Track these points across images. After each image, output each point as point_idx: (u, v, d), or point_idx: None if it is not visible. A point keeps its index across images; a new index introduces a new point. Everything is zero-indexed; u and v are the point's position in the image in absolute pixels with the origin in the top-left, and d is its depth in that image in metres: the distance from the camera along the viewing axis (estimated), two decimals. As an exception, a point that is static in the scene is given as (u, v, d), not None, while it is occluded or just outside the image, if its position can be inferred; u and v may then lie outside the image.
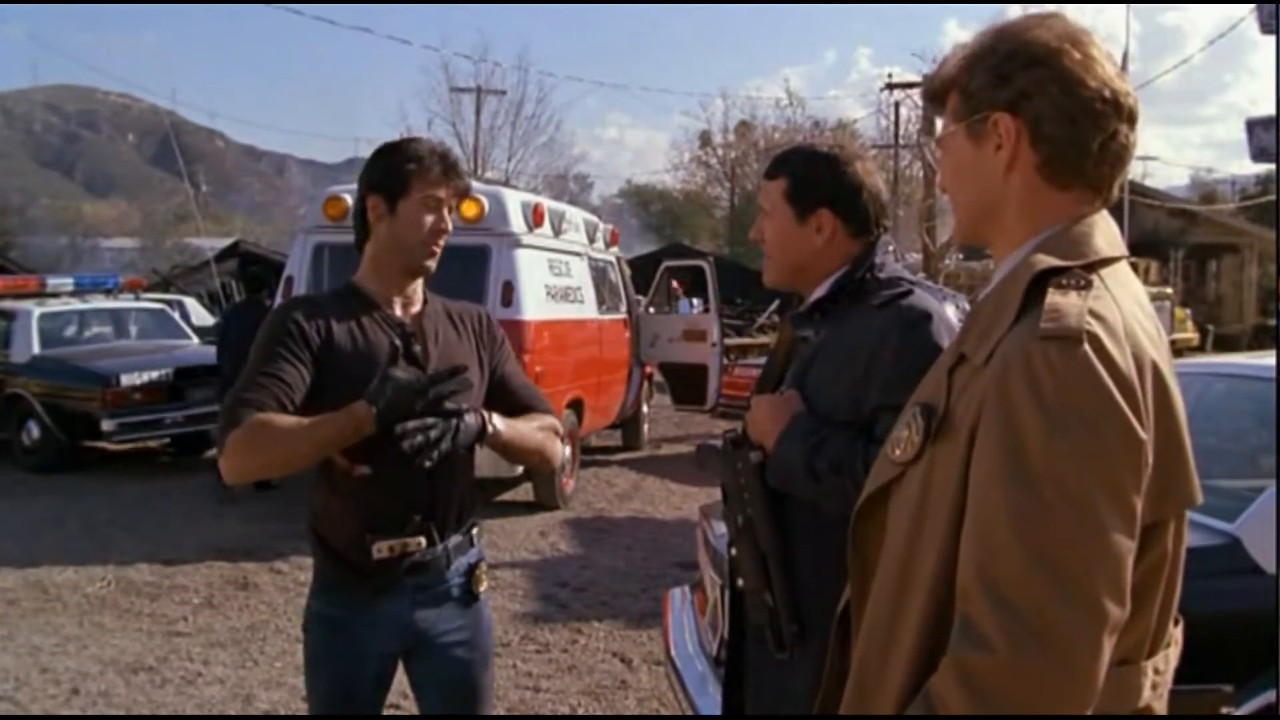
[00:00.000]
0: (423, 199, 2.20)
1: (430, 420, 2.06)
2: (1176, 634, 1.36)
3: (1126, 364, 1.18)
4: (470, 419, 2.14)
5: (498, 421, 2.21)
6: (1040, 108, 1.31)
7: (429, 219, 2.21)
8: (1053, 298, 1.21)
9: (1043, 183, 1.33)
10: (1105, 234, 1.33)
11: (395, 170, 2.20)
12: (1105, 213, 1.37)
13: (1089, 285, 1.23)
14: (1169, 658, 1.32)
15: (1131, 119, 1.32)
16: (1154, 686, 1.28)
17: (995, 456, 1.17)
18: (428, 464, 2.05)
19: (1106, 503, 1.14)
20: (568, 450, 8.63)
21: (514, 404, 2.35)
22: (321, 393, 2.14)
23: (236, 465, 2.08)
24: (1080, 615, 1.12)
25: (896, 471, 1.34)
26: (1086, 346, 1.16)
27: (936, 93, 1.42)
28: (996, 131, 1.34)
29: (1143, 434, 1.17)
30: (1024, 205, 1.35)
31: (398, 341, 2.23)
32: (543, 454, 2.36)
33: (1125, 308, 1.24)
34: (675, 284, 14.10)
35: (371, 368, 2.15)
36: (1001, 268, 1.36)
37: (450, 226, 2.26)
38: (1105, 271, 1.28)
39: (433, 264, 2.26)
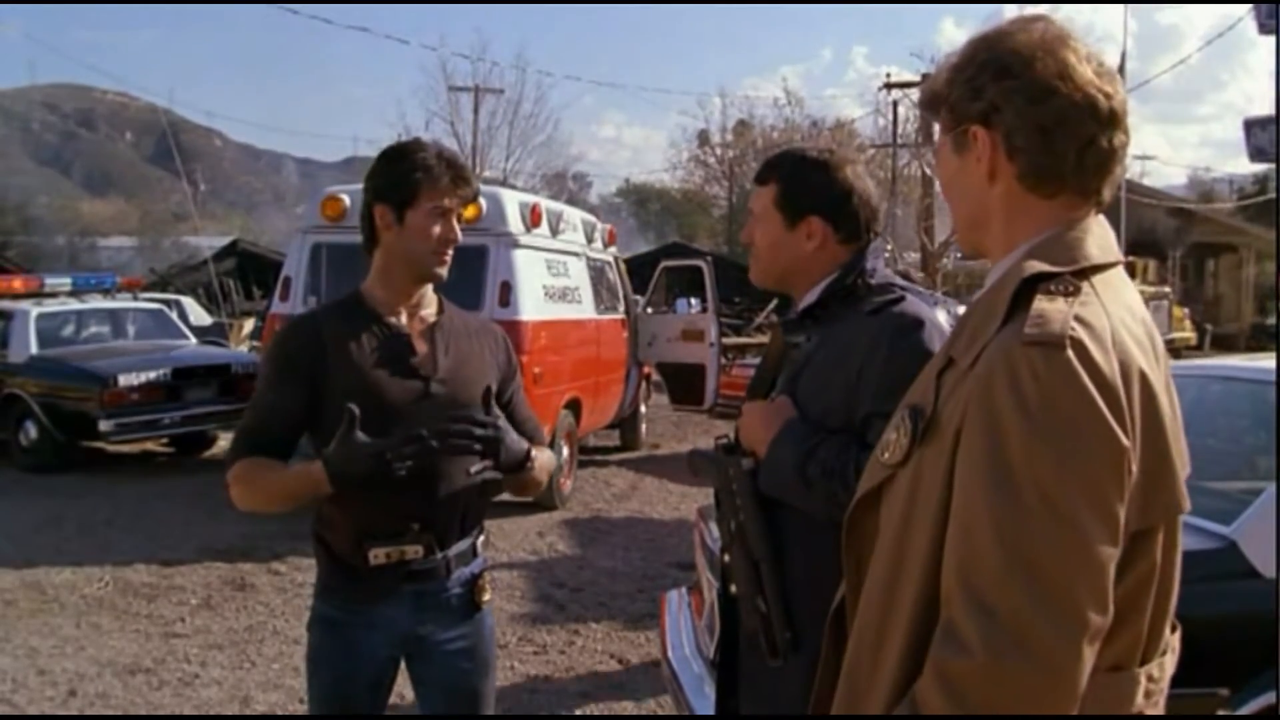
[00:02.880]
0: (431, 209, 2.19)
1: (389, 441, 2.06)
2: (1174, 641, 1.36)
3: (1111, 370, 1.17)
4: (516, 447, 2.17)
5: (535, 457, 2.24)
6: (1010, 120, 1.30)
7: (437, 229, 2.20)
8: (1039, 303, 1.21)
9: (1025, 192, 1.33)
10: (1099, 240, 1.32)
11: (403, 179, 2.18)
12: (1101, 218, 1.36)
13: (1077, 291, 1.23)
14: (1164, 665, 1.32)
15: (1114, 122, 1.31)
16: (1148, 694, 1.28)
17: (977, 460, 1.18)
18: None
19: (1087, 509, 1.14)
20: (565, 450, 8.64)
21: (518, 434, 2.36)
22: (321, 412, 2.18)
23: (238, 502, 2.24)
24: (1058, 621, 1.12)
25: (886, 474, 1.34)
26: (1070, 352, 1.16)
27: (928, 104, 1.42)
28: (976, 144, 1.34)
29: (1125, 441, 1.16)
30: (1010, 215, 1.35)
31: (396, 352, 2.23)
32: (539, 490, 2.43)
33: (1114, 314, 1.23)
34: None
35: (370, 382, 2.17)
36: (993, 273, 1.36)
37: (459, 235, 2.25)
38: (1096, 278, 1.28)
39: (444, 271, 2.25)
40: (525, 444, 2.21)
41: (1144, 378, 1.21)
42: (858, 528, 1.40)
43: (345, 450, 2.05)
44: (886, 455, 1.34)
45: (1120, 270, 1.34)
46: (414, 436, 2.06)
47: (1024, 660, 1.11)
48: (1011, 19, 1.37)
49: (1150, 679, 1.28)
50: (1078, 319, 1.19)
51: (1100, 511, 1.14)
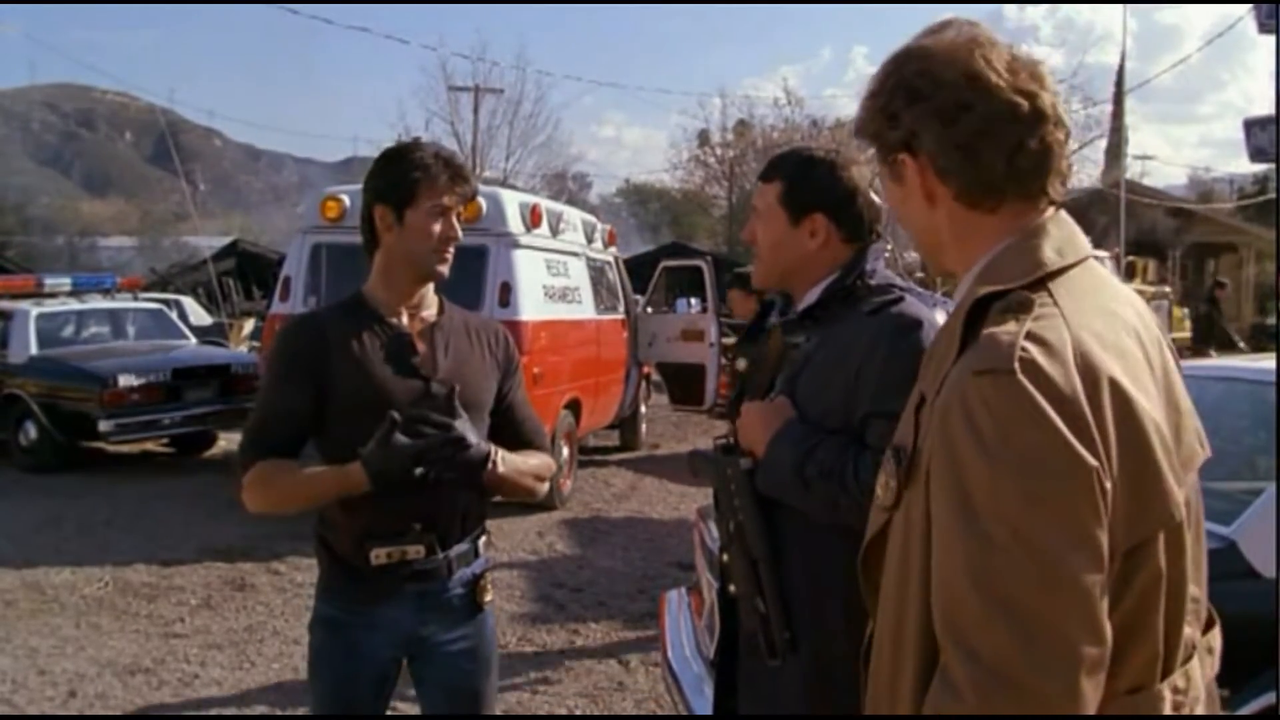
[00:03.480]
0: (430, 208, 2.20)
1: (429, 443, 2.09)
2: (1211, 640, 1.31)
3: (1071, 385, 1.11)
4: (476, 450, 2.16)
5: (500, 459, 2.22)
6: (929, 144, 1.27)
7: (437, 228, 2.21)
8: (989, 328, 1.17)
9: (967, 210, 1.29)
10: (1056, 241, 1.26)
11: (401, 179, 2.20)
12: (1060, 216, 1.30)
13: (1028, 306, 1.18)
14: (1190, 672, 1.26)
15: (1040, 120, 1.26)
16: (1176, 706, 1.22)
17: (945, 501, 1.14)
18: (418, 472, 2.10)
19: (1063, 538, 1.09)
20: (565, 450, 8.64)
21: (516, 435, 2.36)
22: (325, 411, 2.20)
23: (253, 506, 2.23)
24: (1046, 658, 1.07)
25: (885, 517, 1.30)
26: (1020, 376, 1.10)
27: (859, 136, 1.38)
28: (907, 171, 1.30)
29: (1091, 460, 1.10)
30: (958, 235, 1.31)
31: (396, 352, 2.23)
32: (531, 494, 2.40)
33: (1076, 322, 1.17)
34: None
35: (373, 382, 2.18)
36: (957, 293, 1.33)
37: (460, 234, 2.26)
38: (1056, 283, 1.22)
39: (445, 269, 2.26)
40: (486, 446, 2.20)
41: (1115, 385, 1.14)
42: (872, 569, 1.35)
43: (386, 452, 2.07)
44: (880, 498, 1.30)
45: (1090, 266, 1.28)
46: (454, 439, 2.10)
47: (1014, 702, 1.07)
48: (921, 31, 1.32)
49: (1176, 690, 1.23)
50: (1029, 336, 1.13)
51: (1076, 538, 1.09)
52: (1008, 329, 1.15)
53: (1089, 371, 1.14)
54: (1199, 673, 1.29)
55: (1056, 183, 1.29)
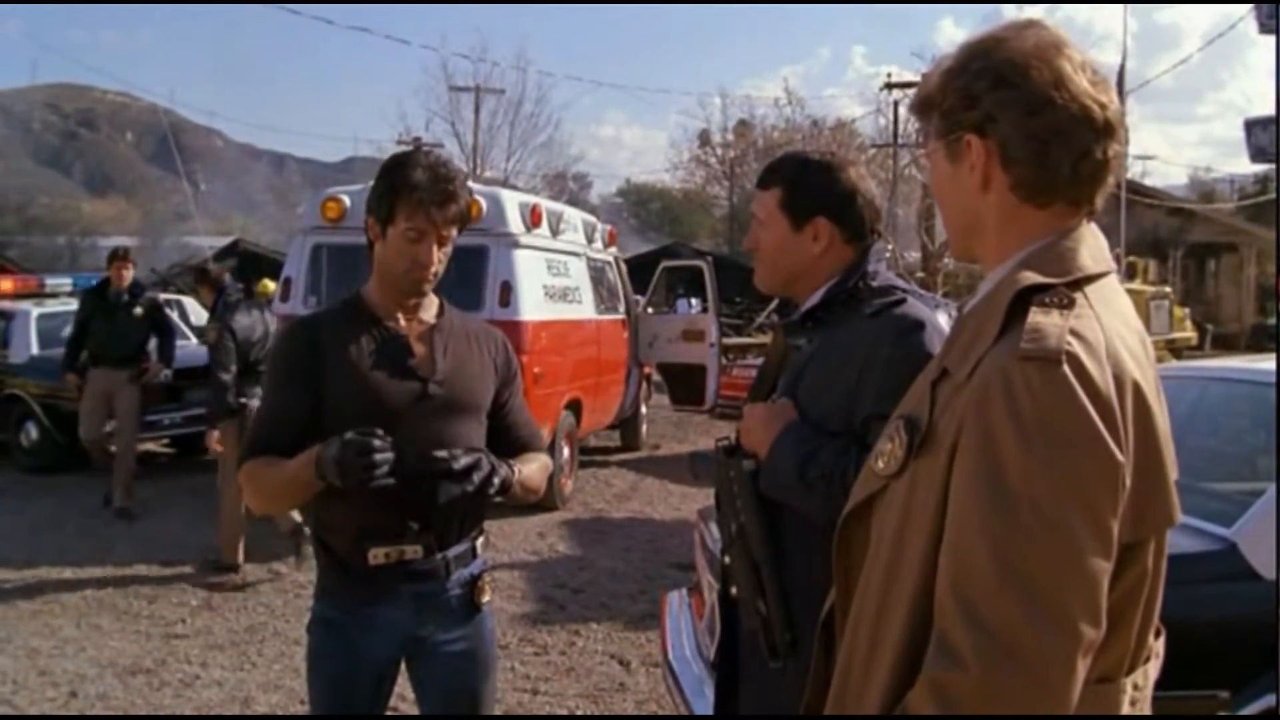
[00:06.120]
0: (406, 230, 2.18)
1: (473, 463, 2.10)
2: (1158, 646, 1.36)
3: (1106, 385, 1.17)
4: (505, 471, 2.18)
5: (517, 474, 2.24)
6: (1005, 130, 1.29)
7: (411, 252, 2.19)
8: (1034, 317, 1.21)
9: (1019, 201, 1.32)
10: (1091, 249, 1.32)
11: (386, 195, 2.18)
12: (1093, 227, 1.35)
13: (1071, 304, 1.23)
14: (1148, 672, 1.32)
15: (1109, 132, 1.30)
16: (1133, 702, 1.28)
17: (973, 475, 1.17)
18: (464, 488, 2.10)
19: (1082, 524, 1.14)
20: (566, 451, 8.65)
21: (513, 439, 2.37)
22: (324, 412, 2.19)
23: (251, 505, 2.35)
24: (1053, 635, 1.12)
25: (881, 484, 1.34)
26: (1066, 368, 1.16)
27: (920, 108, 1.41)
28: (970, 152, 1.33)
29: (1120, 456, 1.16)
30: (1003, 223, 1.34)
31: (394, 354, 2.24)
32: (535, 495, 2.40)
33: (1108, 326, 1.23)
34: None
35: (368, 384, 2.18)
36: (987, 281, 1.36)
37: (436, 261, 2.21)
38: (1090, 288, 1.27)
39: (426, 288, 2.26)
40: (505, 471, 2.19)
41: (1138, 389, 1.21)
42: (848, 537, 1.40)
43: (342, 468, 2.02)
44: (880, 465, 1.34)
45: (1112, 278, 1.33)
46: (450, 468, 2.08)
47: (1017, 673, 1.11)
48: (1004, 24, 1.36)
49: (1135, 687, 1.29)
50: (1073, 333, 1.19)
51: (1095, 526, 1.15)
52: (1054, 321, 1.20)
53: (1118, 374, 1.20)
54: (1153, 675, 1.34)
55: (1101, 196, 1.34)
